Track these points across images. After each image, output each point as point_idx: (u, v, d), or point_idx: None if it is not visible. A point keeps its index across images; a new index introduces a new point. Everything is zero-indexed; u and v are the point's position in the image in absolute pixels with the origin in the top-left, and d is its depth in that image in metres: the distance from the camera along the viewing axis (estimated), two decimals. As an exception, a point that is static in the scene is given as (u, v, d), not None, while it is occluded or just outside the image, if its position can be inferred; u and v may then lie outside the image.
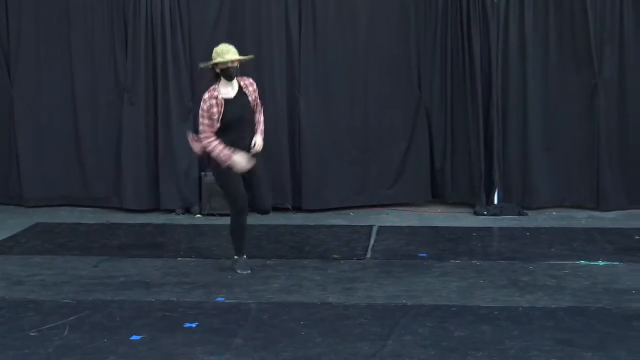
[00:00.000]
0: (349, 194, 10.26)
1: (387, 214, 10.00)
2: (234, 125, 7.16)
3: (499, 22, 10.01)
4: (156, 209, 10.18)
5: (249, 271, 7.39)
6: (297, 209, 10.21)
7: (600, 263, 7.65)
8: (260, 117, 7.42)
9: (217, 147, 7.14)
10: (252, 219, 9.72)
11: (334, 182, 10.23)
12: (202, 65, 7.45)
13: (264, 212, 7.55)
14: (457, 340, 5.63)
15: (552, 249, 8.23)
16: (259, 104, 7.43)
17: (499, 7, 10.00)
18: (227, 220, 9.76)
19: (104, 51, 10.34)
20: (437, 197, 10.35)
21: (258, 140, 7.30)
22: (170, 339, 5.72)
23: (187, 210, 10.22)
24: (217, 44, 10.21)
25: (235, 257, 7.55)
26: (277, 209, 10.02)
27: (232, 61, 7.23)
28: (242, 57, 7.36)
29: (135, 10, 10.17)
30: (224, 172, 7.24)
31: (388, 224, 9.49)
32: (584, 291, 6.77)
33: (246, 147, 7.23)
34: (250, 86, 7.37)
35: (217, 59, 7.24)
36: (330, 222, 9.68)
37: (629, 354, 5.33)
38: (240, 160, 7.13)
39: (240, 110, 7.21)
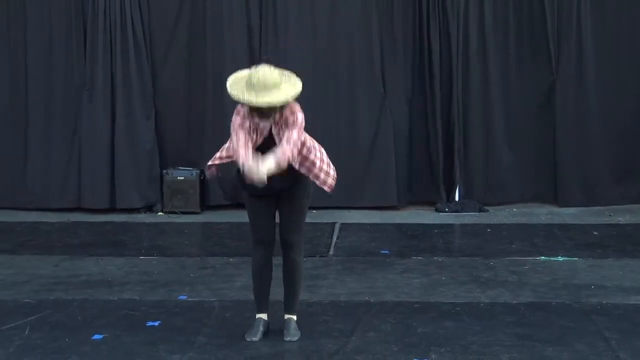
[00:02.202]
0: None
1: (349, 211, 10.02)
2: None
3: (458, 19, 10.08)
4: (117, 207, 10.09)
5: (255, 339, 5.61)
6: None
7: (560, 259, 7.74)
8: (286, 138, 5.30)
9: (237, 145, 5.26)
10: (216, 216, 9.78)
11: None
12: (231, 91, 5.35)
13: (285, 243, 5.66)
14: (419, 336, 5.66)
15: (513, 245, 8.31)
16: (294, 124, 5.38)
17: (458, 5, 10.07)
18: (189, 218, 9.81)
19: (61, 49, 10.21)
20: (402, 199, 10.30)
21: (268, 162, 5.17)
22: (132, 337, 5.68)
23: (149, 209, 10.17)
24: (178, 38, 10.31)
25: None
26: (239, 205, 10.02)
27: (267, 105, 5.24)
28: (281, 100, 5.28)
29: (94, 5, 10.08)
30: (245, 195, 5.64)
31: (350, 221, 9.50)
32: (545, 287, 6.84)
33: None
34: (290, 116, 5.40)
35: (237, 95, 5.26)
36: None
37: (589, 348, 5.40)
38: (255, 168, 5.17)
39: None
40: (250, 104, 5.21)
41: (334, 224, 9.36)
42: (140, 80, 10.10)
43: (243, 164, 5.19)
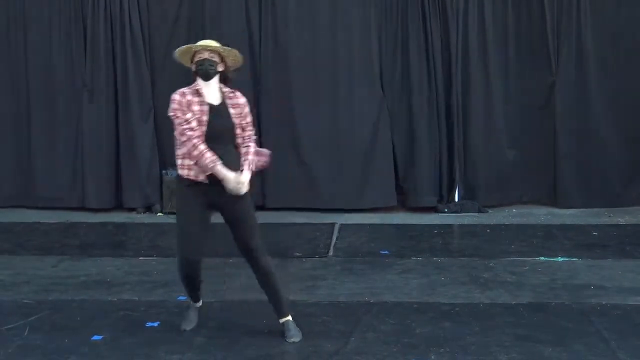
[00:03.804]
0: (310, 195, 10.22)
1: (349, 211, 10.02)
2: (212, 142, 5.41)
3: (458, 19, 10.08)
4: (117, 207, 10.11)
5: (187, 328, 5.85)
6: (260, 207, 10.19)
7: (559, 259, 7.74)
8: (249, 145, 5.60)
9: (206, 153, 5.37)
10: (215, 216, 9.76)
11: (296, 182, 10.20)
12: (176, 53, 5.81)
13: (248, 249, 5.72)
14: (418, 337, 5.66)
15: (512, 246, 8.31)
16: (250, 126, 5.62)
17: (458, 5, 10.07)
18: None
19: (62, 48, 10.24)
20: (401, 200, 10.29)
21: (245, 176, 5.46)
22: (132, 338, 5.69)
23: (148, 209, 10.17)
24: (177, 41, 10.29)
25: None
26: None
27: (208, 49, 5.62)
28: (220, 46, 5.71)
29: (94, 6, 10.10)
30: (180, 207, 5.78)
31: (350, 222, 9.51)
32: (544, 287, 6.84)
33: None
34: (237, 99, 5.62)
35: (181, 49, 5.76)
36: (292, 220, 9.69)
37: (588, 348, 5.40)
38: (234, 179, 5.41)
39: (221, 124, 5.47)
40: (195, 46, 5.66)
41: (333, 224, 9.36)
42: (140, 81, 10.12)
43: (213, 168, 5.37)
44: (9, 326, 5.93)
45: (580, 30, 10.10)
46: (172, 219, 9.65)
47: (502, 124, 10.22)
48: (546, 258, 7.79)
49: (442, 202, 10.13)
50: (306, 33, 10.20)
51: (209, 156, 5.37)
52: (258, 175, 10.07)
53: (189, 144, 5.38)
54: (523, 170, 10.25)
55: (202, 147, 5.38)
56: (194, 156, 5.39)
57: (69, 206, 10.20)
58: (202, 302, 6.03)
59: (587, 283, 6.95)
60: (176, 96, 5.51)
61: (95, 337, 5.70)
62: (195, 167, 5.49)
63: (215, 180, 5.44)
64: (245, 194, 5.55)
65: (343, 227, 9.27)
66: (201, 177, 5.49)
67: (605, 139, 10.15)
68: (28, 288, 6.94)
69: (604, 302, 6.39)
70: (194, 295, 5.94)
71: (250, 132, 5.62)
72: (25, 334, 5.78)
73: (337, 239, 8.74)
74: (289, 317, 5.73)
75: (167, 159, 10.25)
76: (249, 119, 5.63)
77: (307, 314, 6.15)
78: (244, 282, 7.07)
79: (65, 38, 10.23)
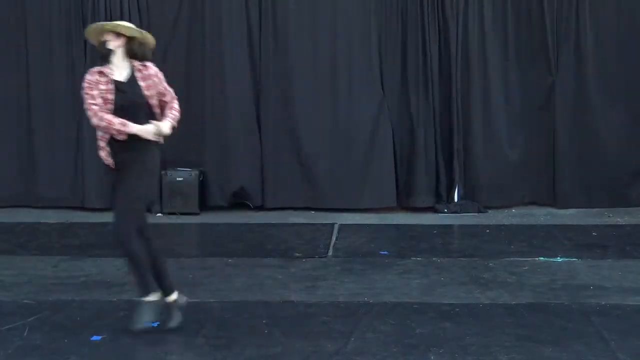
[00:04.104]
0: (310, 195, 10.21)
1: (348, 212, 10.01)
2: (121, 115, 5.53)
3: (457, 20, 10.07)
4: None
5: (172, 326, 5.79)
6: (260, 207, 10.19)
7: (559, 259, 7.74)
8: (172, 106, 5.77)
9: (113, 119, 5.50)
10: (215, 217, 9.79)
11: (296, 182, 10.19)
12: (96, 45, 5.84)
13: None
14: (418, 337, 5.65)
15: (512, 246, 8.31)
16: (167, 90, 5.79)
17: (457, 6, 10.06)
18: (188, 219, 9.81)
19: (62, 48, 10.24)
20: (401, 200, 10.28)
21: (164, 123, 5.63)
22: (131, 338, 5.67)
23: (148, 209, 10.14)
24: (177, 42, 10.31)
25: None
26: (238, 206, 10.03)
27: (97, 31, 5.69)
28: (104, 24, 5.79)
29: (94, 6, 10.10)
30: (108, 187, 6.04)
31: (349, 222, 9.50)
32: (544, 287, 6.84)
33: (132, 149, 5.60)
34: (147, 70, 5.71)
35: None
36: (291, 220, 9.69)
37: (588, 349, 5.40)
38: (152, 128, 5.59)
39: (128, 100, 5.57)
40: (87, 31, 5.77)
41: (332, 224, 9.35)
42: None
43: (122, 130, 5.50)
44: (9, 326, 5.93)
45: (580, 30, 10.09)
46: (172, 219, 9.72)
47: (502, 124, 10.21)
48: (546, 258, 7.78)
49: (442, 202, 10.13)
50: (306, 33, 10.19)
51: (117, 121, 5.50)
52: (258, 176, 10.15)
53: (97, 118, 5.51)
54: (523, 170, 10.24)
55: (108, 116, 5.50)
56: (104, 127, 5.53)
57: (69, 206, 10.19)
58: (160, 295, 5.84)
59: (586, 283, 6.94)
60: (87, 76, 5.67)
61: (95, 337, 5.69)
62: (106, 150, 5.61)
63: (121, 159, 5.57)
64: (133, 173, 5.63)
65: (343, 227, 9.26)
66: (108, 162, 5.65)
67: (605, 139, 10.14)
68: (28, 288, 6.93)
69: (603, 302, 6.39)
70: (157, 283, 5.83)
71: (170, 95, 5.77)
72: (25, 334, 5.77)
73: (336, 239, 8.74)
74: (143, 299, 5.70)
75: (166, 159, 10.22)
76: (164, 84, 5.77)
77: (307, 314, 6.14)
78: (243, 282, 7.08)
79: (66, 38, 10.22)
